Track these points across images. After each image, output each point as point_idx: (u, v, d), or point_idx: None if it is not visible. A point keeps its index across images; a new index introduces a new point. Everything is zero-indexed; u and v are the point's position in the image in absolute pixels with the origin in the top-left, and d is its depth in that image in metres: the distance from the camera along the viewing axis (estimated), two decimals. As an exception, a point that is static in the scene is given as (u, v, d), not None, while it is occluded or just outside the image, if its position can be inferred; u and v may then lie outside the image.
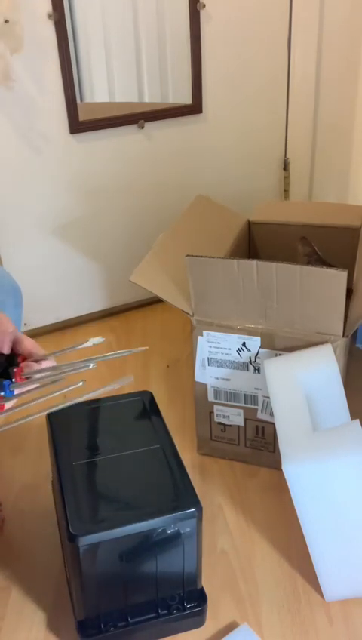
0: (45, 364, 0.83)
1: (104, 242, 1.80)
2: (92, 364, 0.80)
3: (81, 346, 0.86)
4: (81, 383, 0.78)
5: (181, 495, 0.91)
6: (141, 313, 1.93)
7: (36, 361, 0.83)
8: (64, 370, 0.81)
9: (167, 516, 0.88)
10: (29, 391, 0.81)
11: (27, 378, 0.81)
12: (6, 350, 0.83)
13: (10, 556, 1.14)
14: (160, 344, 1.78)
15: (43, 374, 0.81)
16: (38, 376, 0.81)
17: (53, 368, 0.82)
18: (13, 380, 0.80)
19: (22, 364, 0.83)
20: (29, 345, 0.84)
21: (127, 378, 0.86)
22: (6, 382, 0.79)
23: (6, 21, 1.35)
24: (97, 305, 1.89)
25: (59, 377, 0.81)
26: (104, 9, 1.66)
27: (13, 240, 1.67)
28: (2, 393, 0.79)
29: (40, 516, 1.21)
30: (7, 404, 0.79)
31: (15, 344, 0.84)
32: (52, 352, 0.85)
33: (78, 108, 1.59)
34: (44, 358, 0.83)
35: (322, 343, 1.12)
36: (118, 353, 0.91)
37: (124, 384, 0.85)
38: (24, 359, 0.83)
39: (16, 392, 0.79)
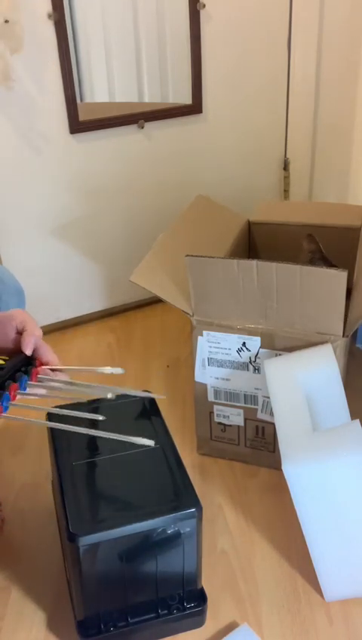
0: (60, 376, 0.87)
1: (104, 242, 1.80)
2: (110, 394, 0.84)
3: (99, 370, 0.88)
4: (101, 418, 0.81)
5: (181, 495, 0.91)
6: (141, 313, 1.93)
7: (53, 370, 0.87)
8: (82, 388, 0.85)
9: (167, 516, 0.88)
10: (37, 394, 0.85)
11: (40, 382, 0.85)
12: (29, 351, 0.86)
13: (10, 556, 1.14)
14: (160, 344, 1.78)
15: (56, 384, 0.85)
16: (52, 384, 0.85)
17: (71, 384, 0.86)
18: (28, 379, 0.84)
19: (40, 367, 0.86)
20: (48, 353, 0.87)
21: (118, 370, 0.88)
22: (24, 377, 0.82)
23: (6, 21, 1.35)
24: (97, 305, 1.89)
25: (71, 390, 0.85)
26: (104, 9, 1.66)
27: (13, 240, 1.67)
28: (21, 386, 0.82)
29: (40, 516, 1.21)
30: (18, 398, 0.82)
31: (36, 348, 0.87)
32: (69, 367, 0.89)
33: (78, 108, 1.59)
34: (60, 370, 0.87)
35: (322, 343, 1.12)
36: (137, 392, 0.97)
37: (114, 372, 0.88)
38: (41, 364, 0.87)
39: (27, 389, 0.82)
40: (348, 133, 1.95)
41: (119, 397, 1.10)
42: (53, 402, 0.90)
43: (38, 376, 0.86)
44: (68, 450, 1.00)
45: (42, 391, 0.85)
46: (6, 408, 0.79)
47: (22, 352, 0.86)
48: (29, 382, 0.84)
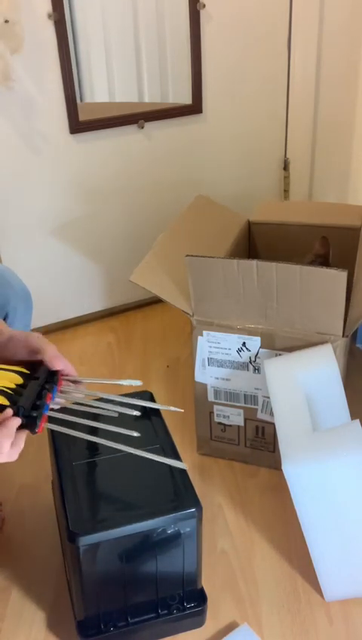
0: (79, 387, 0.89)
1: (104, 242, 1.80)
2: (136, 412, 0.87)
3: (117, 382, 0.92)
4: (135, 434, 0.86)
5: (181, 495, 0.91)
6: (141, 313, 1.93)
7: (74, 382, 0.89)
8: (108, 404, 0.88)
9: (167, 516, 0.88)
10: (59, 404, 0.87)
11: (63, 392, 0.87)
12: (60, 366, 0.87)
13: (10, 556, 1.14)
14: (160, 344, 1.78)
15: (80, 395, 0.88)
16: (76, 394, 0.87)
17: (100, 399, 0.89)
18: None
19: (62, 379, 0.88)
20: (67, 365, 0.88)
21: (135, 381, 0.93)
22: (55, 387, 0.85)
23: (6, 21, 1.35)
24: (97, 305, 1.89)
25: (97, 405, 0.88)
26: (104, 9, 1.66)
27: (13, 240, 1.67)
28: (52, 393, 0.84)
29: (40, 516, 1.21)
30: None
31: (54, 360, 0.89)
32: (88, 380, 0.91)
33: (78, 108, 1.59)
34: (79, 381, 0.89)
35: (322, 343, 1.12)
36: (161, 406, 1.01)
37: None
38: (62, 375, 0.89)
39: (56, 398, 0.85)
40: (347, 133, 1.95)
41: (118, 396, 1.10)
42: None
43: (62, 388, 0.88)
44: (68, 450, 1.00)
45: (63, 401, 0.87)
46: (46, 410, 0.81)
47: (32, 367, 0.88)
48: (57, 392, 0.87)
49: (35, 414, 0.78)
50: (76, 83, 1.58)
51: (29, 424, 0.78)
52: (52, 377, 0.86)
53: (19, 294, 1.17)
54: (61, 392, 0.86)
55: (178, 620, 0.97)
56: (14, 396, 0.80)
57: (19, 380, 0.84)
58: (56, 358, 0.85)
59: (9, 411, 0.77)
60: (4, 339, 0.88)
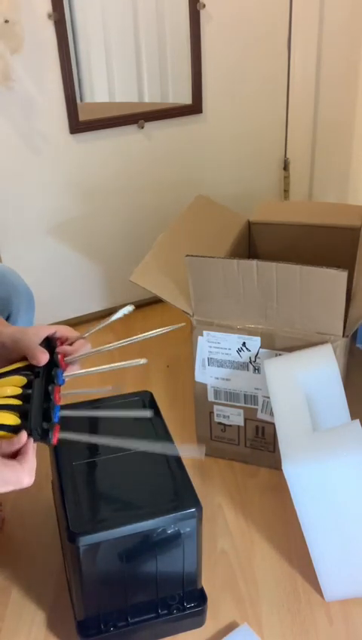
0: (78, 344, 0.88)
1: (104, 242, 1.80)
2: (142, 360, 0.87)
3: (113, 319, 0.89)
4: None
5: (181, 495, 0.91)
6: (141, 313, 1.93)
7: (71, 344, 0.87)
8: (113, 410, 0.88)
9: (167, 516, 0.88)
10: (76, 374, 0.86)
11: (69, 363, 0.85)
12: (42, 360, 0.84)
13: (10, 556, 1.14)
14: (160, 344, 1.78)
15: (84, 354, 0.86)
16: (79, 355, 0.86)
17: (109, 368, 0.87)
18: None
19: (58, 350, 0.86)
20: (64, 330, 0.88)
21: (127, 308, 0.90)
22: (60, 371, 0.83)
23: (6, 21, 1.35)
24: (97, 305, 1.88)
25: (101, 350, 0.86)
26: (104, 9, 1.66)
27: (13, 240, 1.67)
28: (59, 382, 0.82)
29: (40, 516, 1.21)
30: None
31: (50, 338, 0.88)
32: (84, 333, 0.89)
33: (78, 108, 1.59)
34: (77, 338, 0.88)
35: (322, 343, 1.12)
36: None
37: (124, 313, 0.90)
38: (62, 343, 0.88)
39: (66, 378, 0.84)
40: (348, 133, 1.95)
41: (118, 396, 1.10)
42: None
43: (66, 359, 0.86)
44: (68, 450, 1.00)
45: (77, 369, 0.87)
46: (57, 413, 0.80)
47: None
48: (63, 368, 0.86)
49: (46, 427, 0.76)
50: (76, 83, 1.58)
51: (43, 438, 0.76)
52: (54, 364, 0.84)
53: (21, 294, 1.17)
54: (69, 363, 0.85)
55: (178, 620, 0.97)
56: (23, 406, 0.78)
57: (23, 381, 0.82)
58: (41, 353, 0.83)
59: (23, 437, 0.74)
60: None
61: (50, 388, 0.81)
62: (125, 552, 0.88)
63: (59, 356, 0.86)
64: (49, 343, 0.86)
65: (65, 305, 1.83)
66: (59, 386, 0.82)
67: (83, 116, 1.61)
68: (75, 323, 1.86)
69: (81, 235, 1.76)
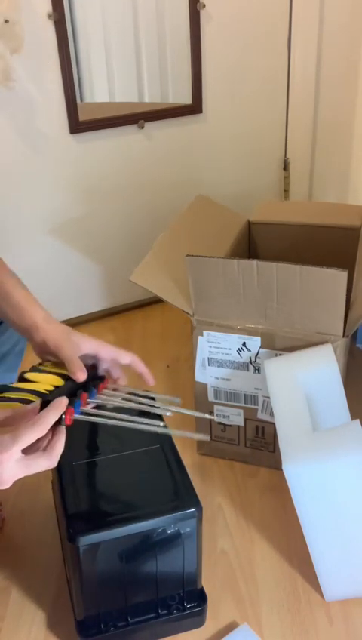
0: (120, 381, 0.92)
1: (104, 242, 1.80)
2: (168, 413, 0.87)
3: (155, 404, 0.91)
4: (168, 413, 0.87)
5: (181, 495, 0.91)
6: (141, 313, 1.93)
7: (114, 390, 0.90)
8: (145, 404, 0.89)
9: (167, 516, 0.88)
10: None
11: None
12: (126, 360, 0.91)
13: (10, 556, 1.14)
14: (160, 344, 1.78)
15: (121, 395, 0.89)
16: (114, 394, 0.89)
17: (132, 394, 0.90)
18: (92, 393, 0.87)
19: (106, 383, 0.90)
20: (120, 371, 0.92)
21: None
22: (94, 390, 0.86)
23: (6, 21, 1.35)
24: (97, 305, 1.89)
25: (132, 401, 0.88)
26: (104, 9, 1.66)
27: (12, 240, 1.67)
28: (91, 396, 0.86)
29: (40, 516, 1.21)
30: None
31: (111, 364, 0.92)
32: (130, 390, 0.92)
33: (78, 108, 1.59)
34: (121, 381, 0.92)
35: (322, 343, 1.12)
36: (195, 413, 1.03)
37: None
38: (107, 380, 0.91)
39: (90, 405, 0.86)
40: (348, 133, 1.95)
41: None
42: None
43: (104, 391, 0.89)
44: (68, 450, 0.99)
45: (102, 401, 0.88)
46: (78, 412, 0.82)
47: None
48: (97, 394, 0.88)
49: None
50: (76, 83, 1.58)
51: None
52: (95, 381, 0.87)
53: None
54: (101, 394, 0.88)
55: (178, 620, 0.97)
56: (47, 395, 0.81)
57: (60, 382, 0.84)
58: (80, 371, 0.84)
59: (34, 404, 0.77)
60: (39, 340, 0.88)
61: (78, 392, 0.84)
62: (125, 552, 0.88)
63: (100, 385, 0.89)
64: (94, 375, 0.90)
65: (64, 305, 1.83)
66: (86, 394, 0.85)
67: (83, 116, 1.61)
68: (75, 323, 1.86)
69: (81, 235, 1.76)
